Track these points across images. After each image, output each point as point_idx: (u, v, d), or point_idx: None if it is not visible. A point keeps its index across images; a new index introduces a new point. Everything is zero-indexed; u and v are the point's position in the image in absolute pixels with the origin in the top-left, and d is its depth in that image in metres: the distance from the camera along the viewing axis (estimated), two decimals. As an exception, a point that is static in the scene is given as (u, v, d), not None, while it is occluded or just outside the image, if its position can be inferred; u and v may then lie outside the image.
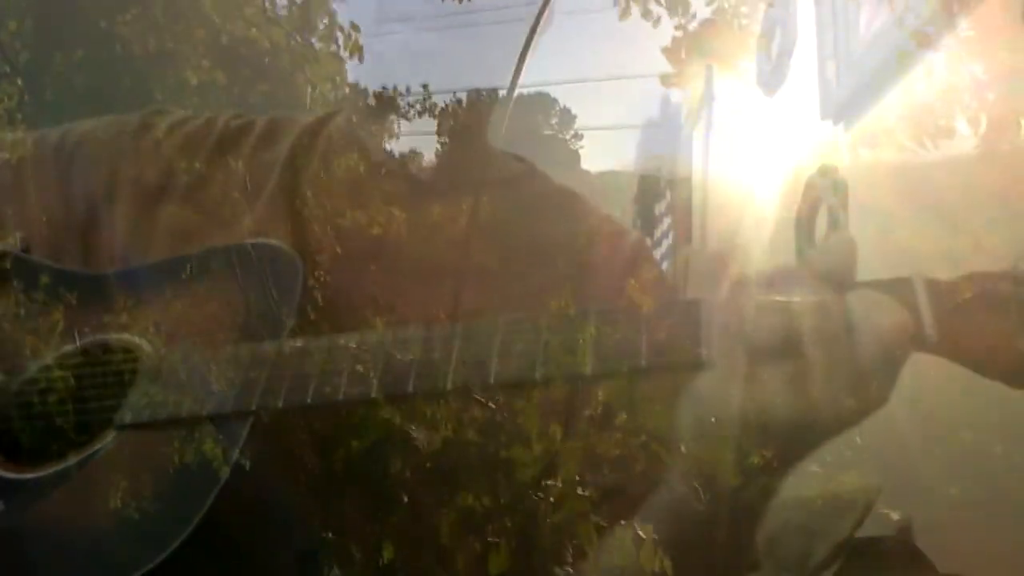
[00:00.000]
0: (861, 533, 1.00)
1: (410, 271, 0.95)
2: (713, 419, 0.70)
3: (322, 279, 0.89)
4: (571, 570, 0.73)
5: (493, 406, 0.74)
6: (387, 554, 0.75)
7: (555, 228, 1.01)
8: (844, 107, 1.61)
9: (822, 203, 0.77)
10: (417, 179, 1.00)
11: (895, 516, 0.91)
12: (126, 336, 0.90)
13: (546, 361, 0.74)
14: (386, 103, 0.97)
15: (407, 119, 0.97)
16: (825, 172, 0.78)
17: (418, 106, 0.97)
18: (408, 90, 0.98)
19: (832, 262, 0.73)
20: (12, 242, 1.00)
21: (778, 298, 0.72)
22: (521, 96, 1.00)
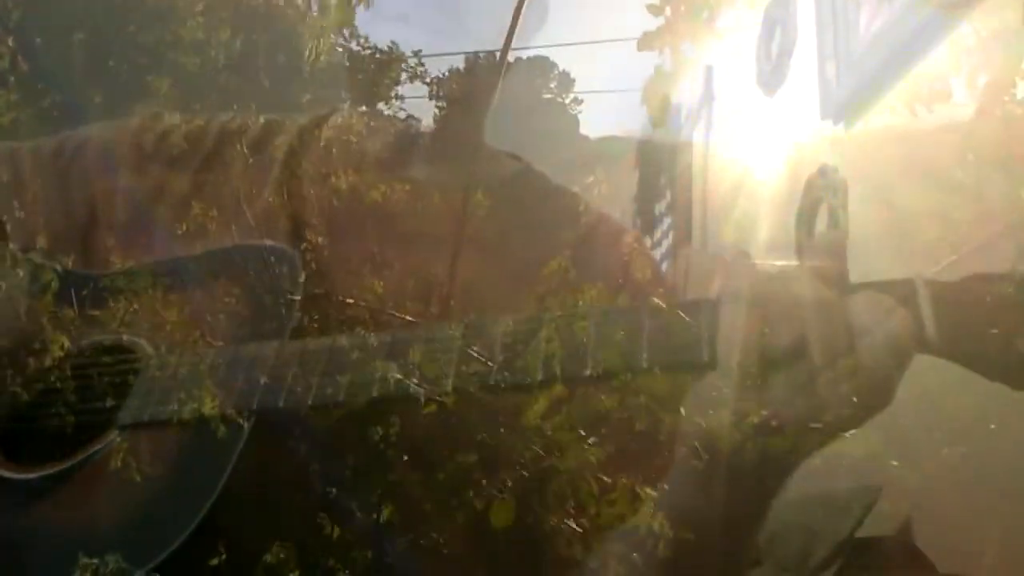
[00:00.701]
0: (861, 533, 1.00)
1: (409, 235, 0.95)
2: (715, 422, 0.71)
3: (316, 241, 0.90)
4: (573, 525, 0.74)
5: (492, 365, 0.74)
6: (386, 512, 0.75)
7: (552, 227, 1.01)
8: (844, 107, 1.61)
9: (822, 203, 0.77)
10: (415, 167, 1.01)
11: (894, 463, 0.91)
12: (127, 336, 0.91)
13: (547, 362, 0.74)
14: (393, 60, 0.96)
15: (398, 83, 0.97)
16: (825, 172, 0.78)
17: (409, 72, 0.97)
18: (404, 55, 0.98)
19: (822, 256, 0.73)
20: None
21: (780, 300, 0.72)
22: (519, 60, 1.00)
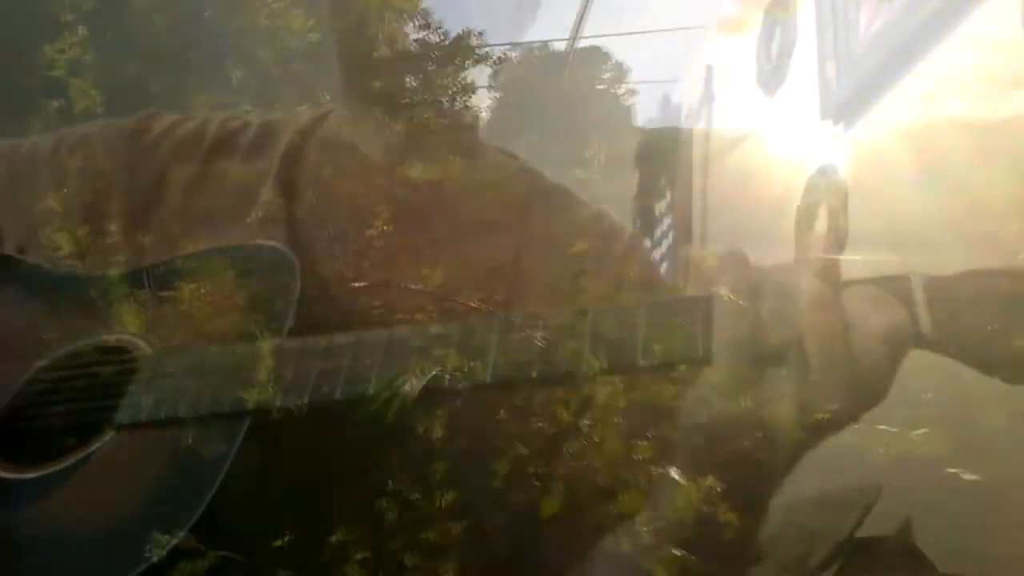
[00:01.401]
0: (861, 533, 0.99)
1: (467, 226, 0.97)
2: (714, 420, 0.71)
3: (382, 228, 0.90)
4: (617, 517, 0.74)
5: (541, 342, 0.74)
6: (449, 497, 0.75)
7: (548, 227, 1.01)
8: (844, 107, 1.61)
9: (822, 203, 0.77)
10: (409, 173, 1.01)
11: (968, 477, 0.88)
12: (124, 336, 0.91)
13: (544, 360, 0.74)
14: (463, 47, 0.96)
15: (464, 68, 0.97)
16: (825, 172, 0.78)
17: (474, 57, 0.96)
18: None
19: (821, 256, 0.74)
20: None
21: (777, 297, 0.72)
22: (576, 49, 0.99)
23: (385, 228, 0.90)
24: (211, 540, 0.74)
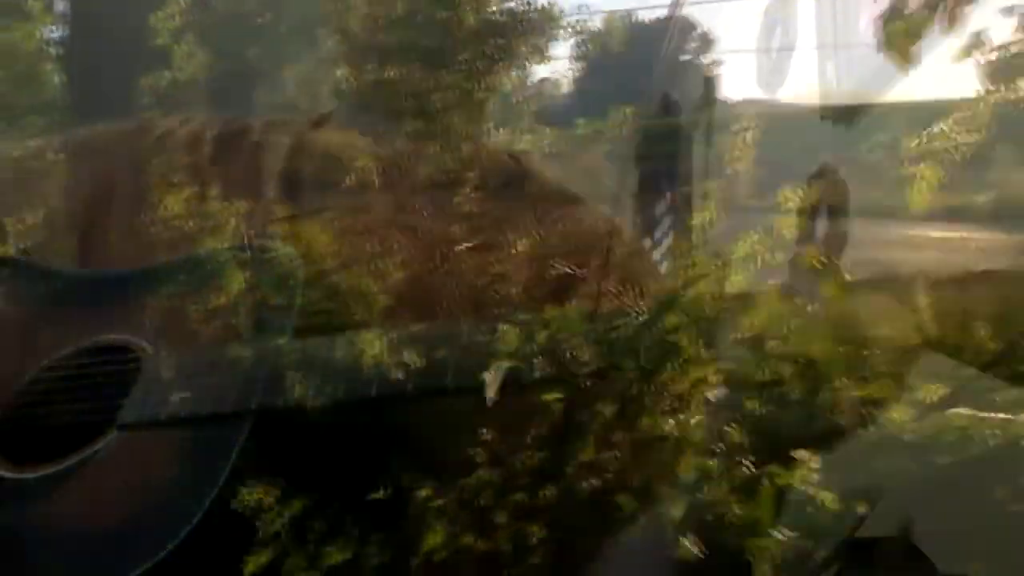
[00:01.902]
0: (861, 533, 0.99)
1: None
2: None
3: (470, 195, 0.91)
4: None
5: (637, 314, 0.74)
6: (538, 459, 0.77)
7: (549, 229, 1.01)
8: (844, 107, 1.61)
9: (822, 203, 0.78)
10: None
11: None
12: (127, 336, 0.91)
13: (545, 362, 0.74)
14: (547, 18, 0.97)
15: (555, 40, 0.97)
16: (825, 172, 0.78)
17: (570, 28, 0.98)
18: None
19: (823, 255, 0.74)
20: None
21: (780, 299, 0.72)
22: (658, 18, 1.00)
23: (473, 195, 0.91)
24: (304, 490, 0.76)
